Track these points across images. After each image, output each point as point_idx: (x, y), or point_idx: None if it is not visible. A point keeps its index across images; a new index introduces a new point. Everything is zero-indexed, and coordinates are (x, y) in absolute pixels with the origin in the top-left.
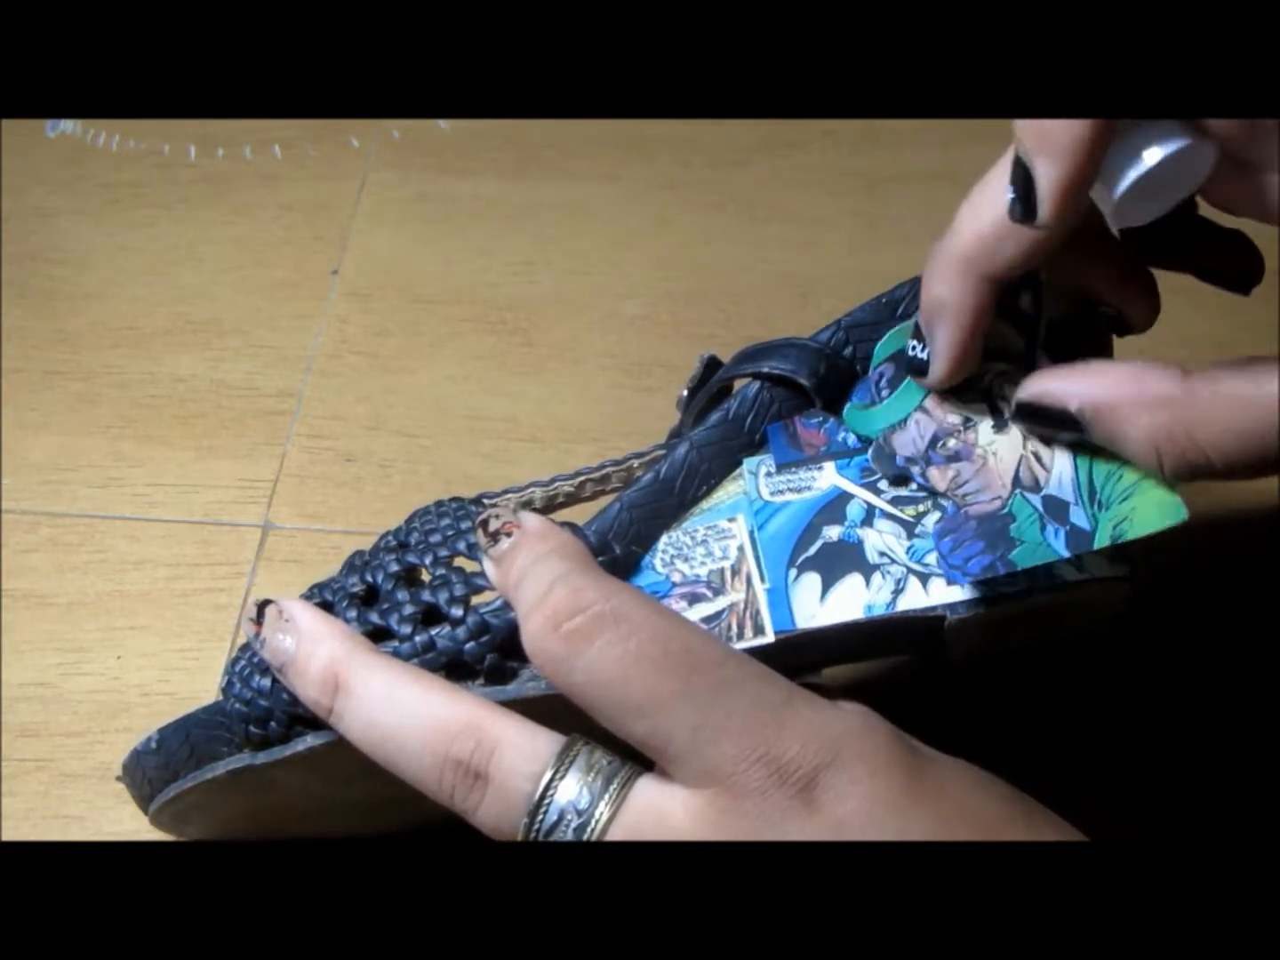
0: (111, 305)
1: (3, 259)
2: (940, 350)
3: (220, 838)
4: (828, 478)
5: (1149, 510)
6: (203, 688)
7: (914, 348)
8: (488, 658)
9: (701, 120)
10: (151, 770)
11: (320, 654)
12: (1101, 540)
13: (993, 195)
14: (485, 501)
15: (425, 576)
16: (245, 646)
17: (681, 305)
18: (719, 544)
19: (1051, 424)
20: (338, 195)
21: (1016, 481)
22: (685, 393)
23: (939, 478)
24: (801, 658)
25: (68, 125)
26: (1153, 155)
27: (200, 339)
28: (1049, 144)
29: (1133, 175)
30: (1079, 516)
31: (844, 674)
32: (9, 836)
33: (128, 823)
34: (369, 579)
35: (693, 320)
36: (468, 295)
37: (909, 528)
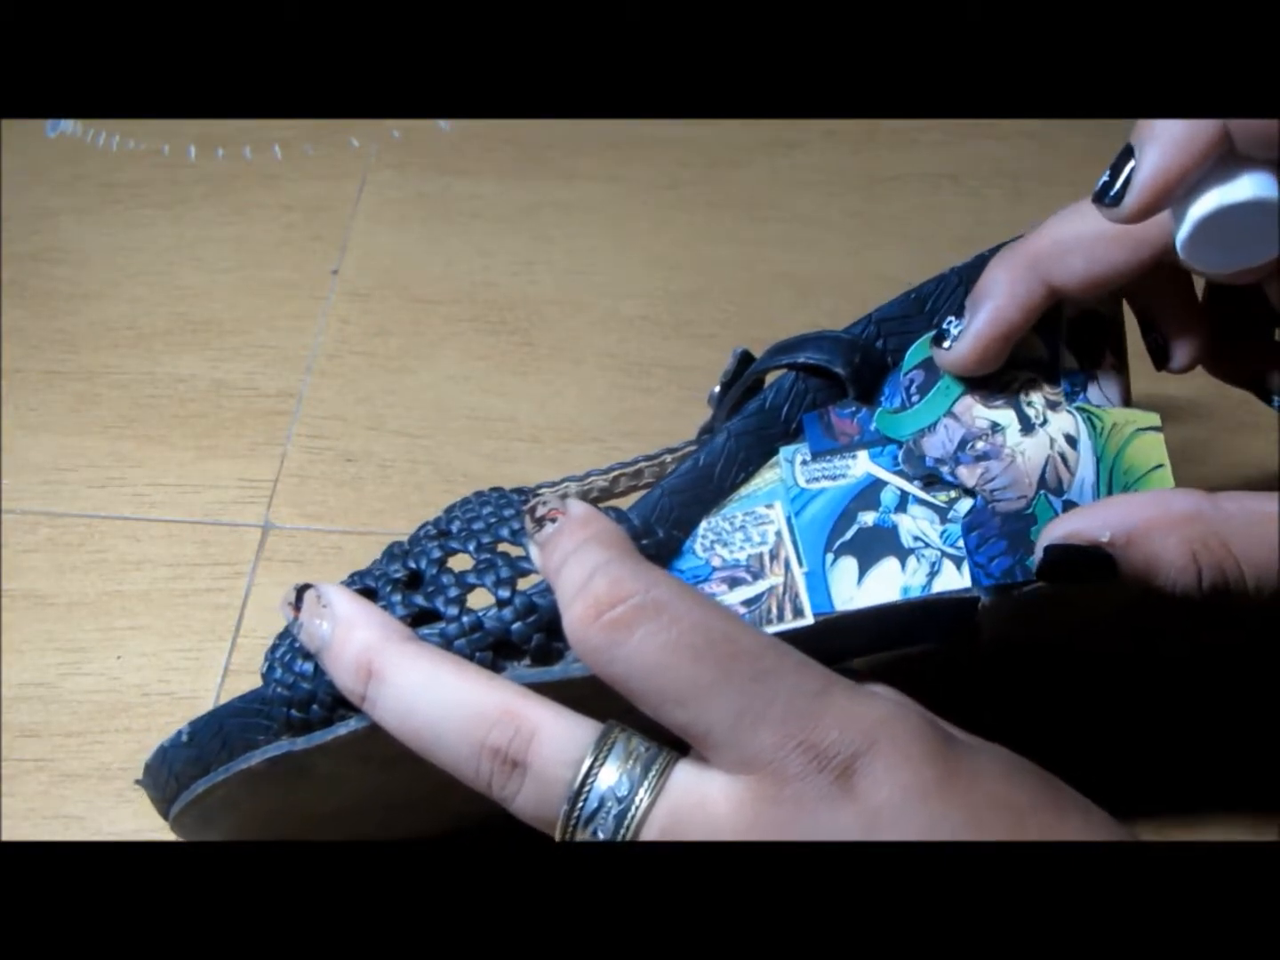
0: (111, 305)
1: (3, 259)
2: (972, 330)
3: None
4: (862, 465)
5: None
6: (203, 688)
7: (950, 323)
8: (534, 638)
9: (701, 120)
10: (180, 765)
11: (355, 640)
12: None
13: (1084, 210)
14: (527, 492)
15: (469, 563)
16: (285, 633)
17: (681, 305)
18: (757, 529)
19: (1082, 569)
20: (338, 195)
21: (1042, 481)
22: (718, 388)
23: (968, 475)
24: (838, 643)
25: (68, 125)
26: (1240, 191)
27: (200, 339)
28: (1163, 136)
29: (1213, 201)
30: None
31: (868, 665)
32: (9, 836)
33: (128, 823)
34: (412, 565)
35: (693, 320)
36: (468, 295)
37: (942, 513)
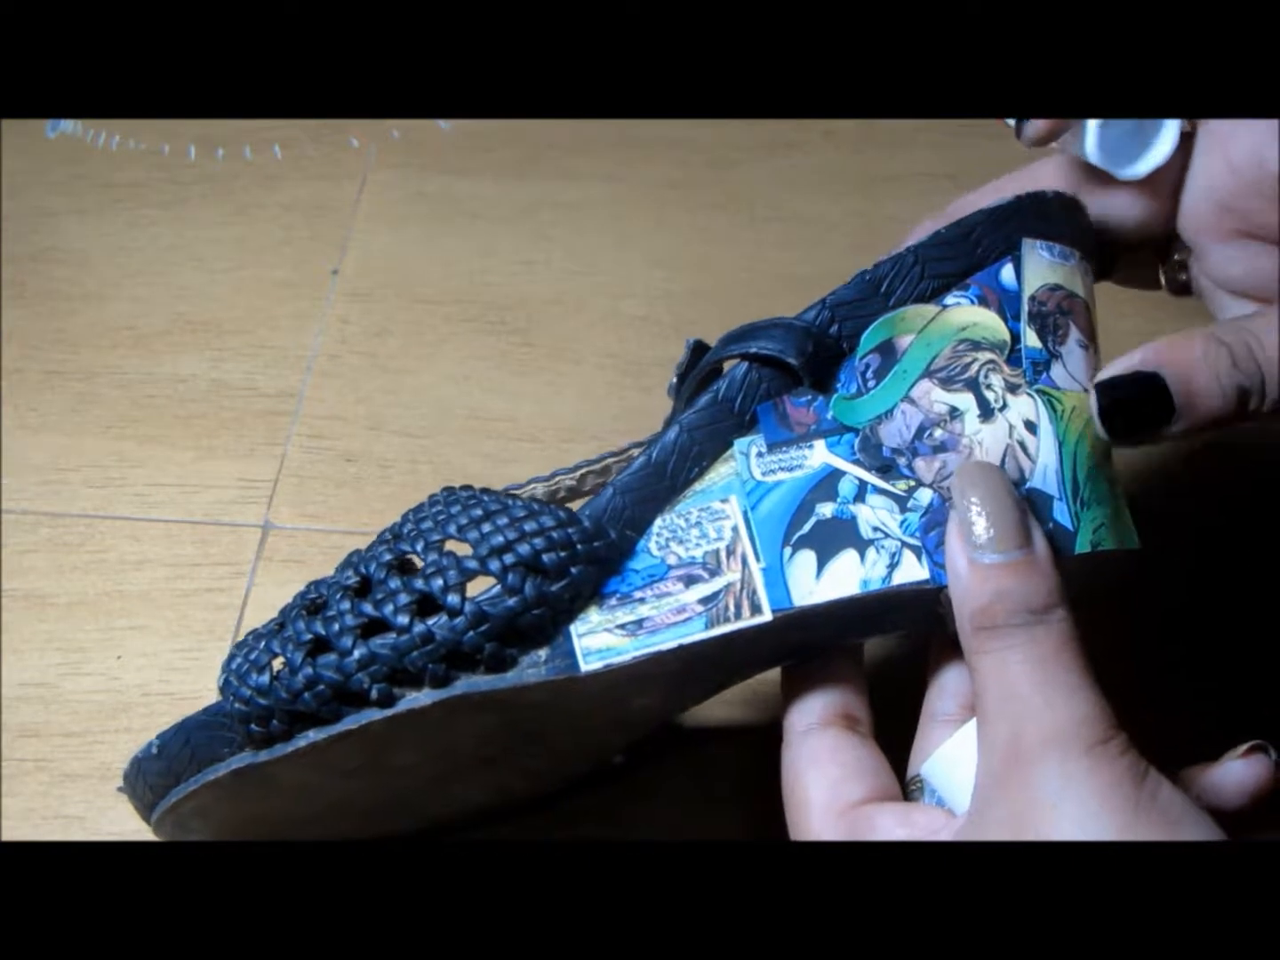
0: (111, 305)
1: (3, 259)
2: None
3: None
4: (819, 456)
5: (1114, 527)
6: (203, 687)
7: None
8: (487, 646)
9: (701, 120)
10: (153, 776)
11: None
12: (1082, 545)
13: None
14: (479, 491)
15: (418, 563)
16: (241, 644)
17: (681, 305)
18: (713, 525)
19: (1137, 396)
20: (338, 195)
21: None
22: (674, 379)
23: (925, 469)
24: (798, 636)
25: (68, 125)
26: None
27: (200, 339)
28: None
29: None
30: (1062, 513)
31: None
32: (9, 836)
33: (128, 823)
34: (363, 570)
35: (693, 320)
36: (468, 295)
37: (901, 502)
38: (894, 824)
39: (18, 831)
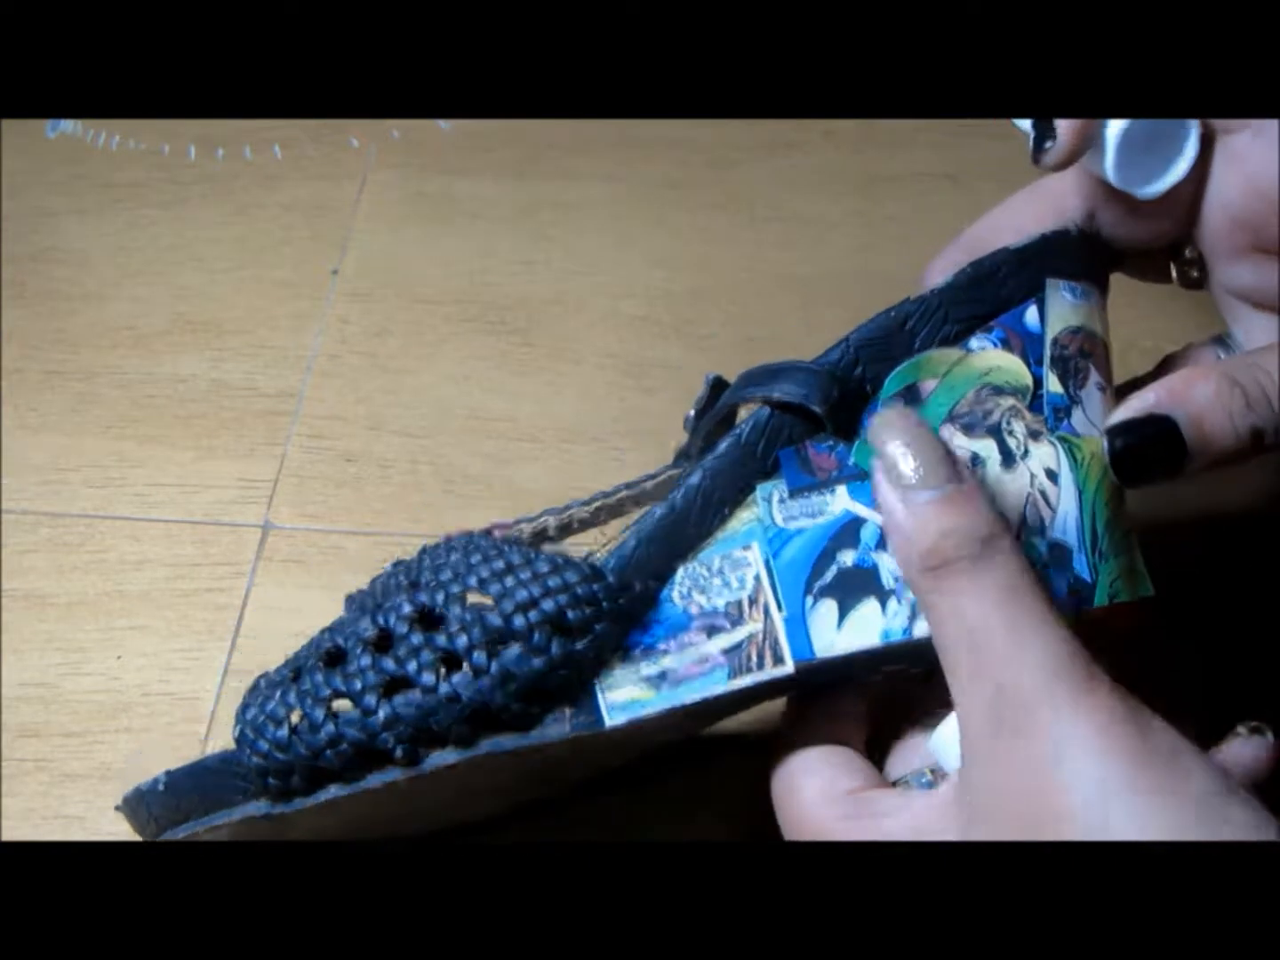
0: (111, 305)
1: (3, 259)
2: (1066, 126)
3: None
4: (840, 502)
5: (1129, 577)
6: (203, 688)
7: (1038, 127)
8: (513, 706)
9: (701, 120)
10: (158, 810)
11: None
12: (1100, 598)
13: None
14: (496, 530)
15: (439, 615)
16: (253, 691)
17: (681, 305)
18: (735, 574)
19: (1150, 440)
20: (338, 195)
21: (1023, 521)
22: (692, 413)
23: None
24: (819, 680)
25: (68, 125)
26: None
27: (200, 339)
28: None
29: (1121, 123)
30: (1081, 564)
31: None
32: (9, 836)
33: (128, 823)
34: (381, 622)
35: (693, 320)
36: (468, 295)
37: None
38: (895, 800)
39: (18, 831)
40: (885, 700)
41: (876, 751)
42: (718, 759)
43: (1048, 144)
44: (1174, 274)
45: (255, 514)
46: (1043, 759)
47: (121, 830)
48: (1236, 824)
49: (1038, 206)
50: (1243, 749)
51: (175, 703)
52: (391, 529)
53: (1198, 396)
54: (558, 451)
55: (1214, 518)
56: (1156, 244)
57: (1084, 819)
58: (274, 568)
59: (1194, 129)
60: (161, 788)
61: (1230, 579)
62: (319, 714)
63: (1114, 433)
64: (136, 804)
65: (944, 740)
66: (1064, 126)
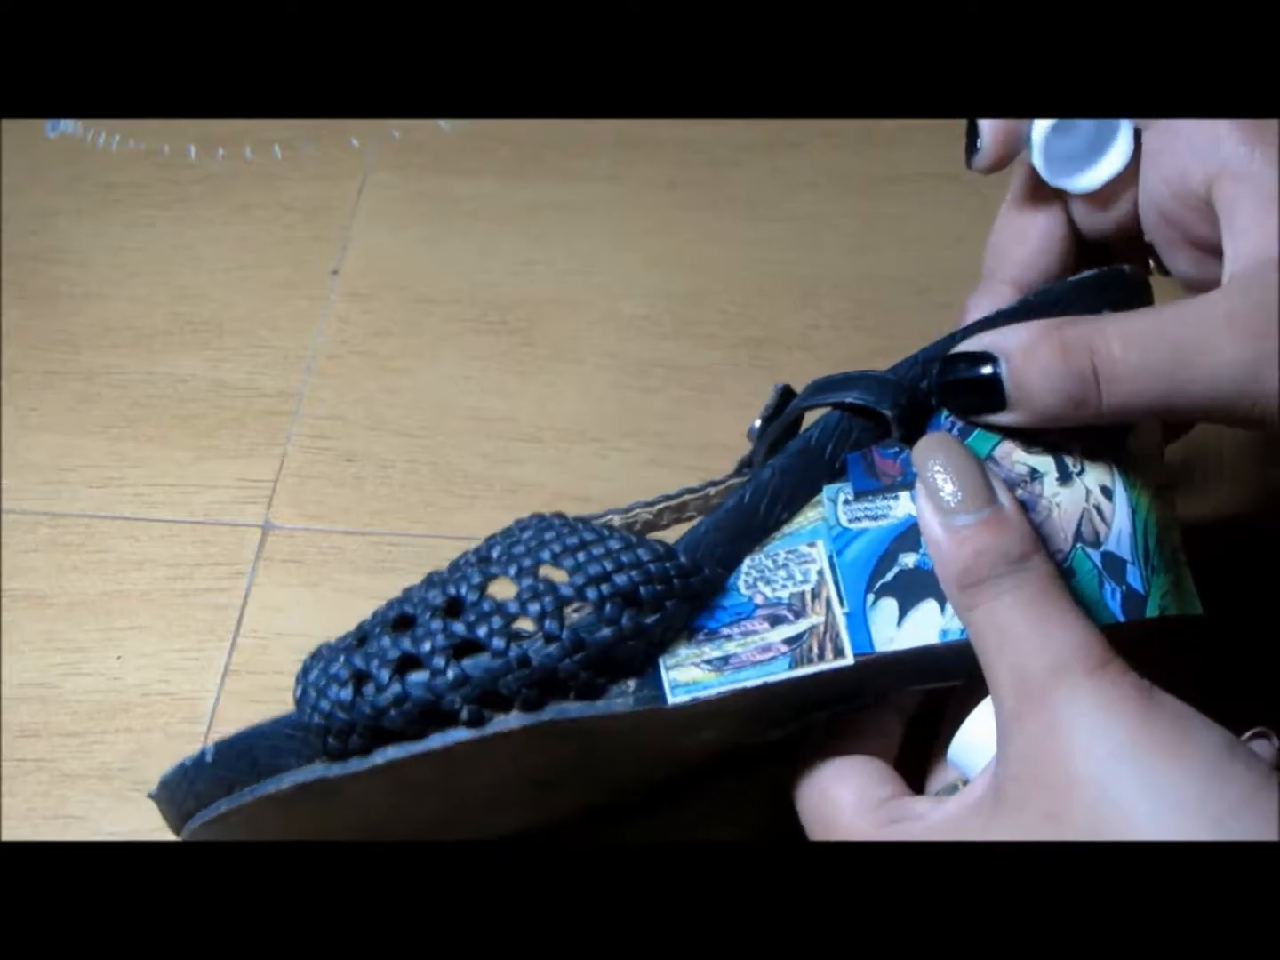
0: (111, 305)
1: (3, 259)
2: (989, 128)
3: None
4: (903, 506)
5: (1178, 593)
6: (203, 688)
7: (969, 130)
8: (582, 674)
9: (701, 120)
10: (203, 785)
11: None
12: (1152, 609)
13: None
14: (573, 519)
15: (511, 588)
16: (315, 655)
17: (681, 305)
18: (799, 568)
19: (970, 385)
20: (338, 195)
21: (1078, 534)
22: (758, 422)
23: None
24: (878, 679)
25: (68, 125)
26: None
27: (200, 339)
28: None
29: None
30: (1134, 577)
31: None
32: (9, 836)
33: (128, 823)
34: (451, 591)
35: (693, 320)
36: (468, 295)
37: None
38: (928, 804)
39: (18, 831)
40: (914, 725)
41: (904, 776)
42: (728, 776)
43: (978, 146)
44: (1151, 263)
45: (255, 514)
46: (1055, 726)
47: (121, 830)
48: (1241, 782)
49: (1026, 206)
50: None
51: (175, 703)
52: (391, 529)
53: (1025, 348)
54: (558, 452)
55: (1214, 518)
56: (1122, 235)
57: (1094, 781)
58: (274, 568)
59: (1124, 127)
60: (210, 759)
61: (1230, 579)
62: (385, 675)
63: (944, 362)
64: (178, 782)
65: (962, 747)
66: (987, 129)
